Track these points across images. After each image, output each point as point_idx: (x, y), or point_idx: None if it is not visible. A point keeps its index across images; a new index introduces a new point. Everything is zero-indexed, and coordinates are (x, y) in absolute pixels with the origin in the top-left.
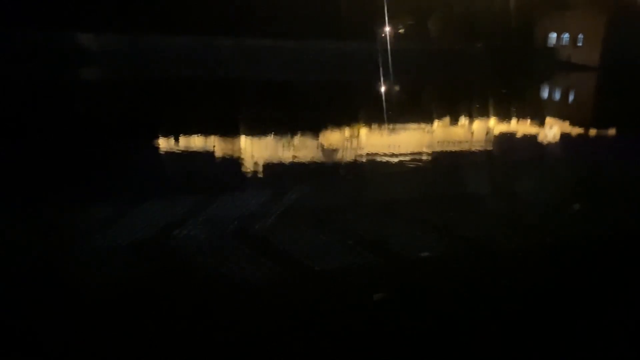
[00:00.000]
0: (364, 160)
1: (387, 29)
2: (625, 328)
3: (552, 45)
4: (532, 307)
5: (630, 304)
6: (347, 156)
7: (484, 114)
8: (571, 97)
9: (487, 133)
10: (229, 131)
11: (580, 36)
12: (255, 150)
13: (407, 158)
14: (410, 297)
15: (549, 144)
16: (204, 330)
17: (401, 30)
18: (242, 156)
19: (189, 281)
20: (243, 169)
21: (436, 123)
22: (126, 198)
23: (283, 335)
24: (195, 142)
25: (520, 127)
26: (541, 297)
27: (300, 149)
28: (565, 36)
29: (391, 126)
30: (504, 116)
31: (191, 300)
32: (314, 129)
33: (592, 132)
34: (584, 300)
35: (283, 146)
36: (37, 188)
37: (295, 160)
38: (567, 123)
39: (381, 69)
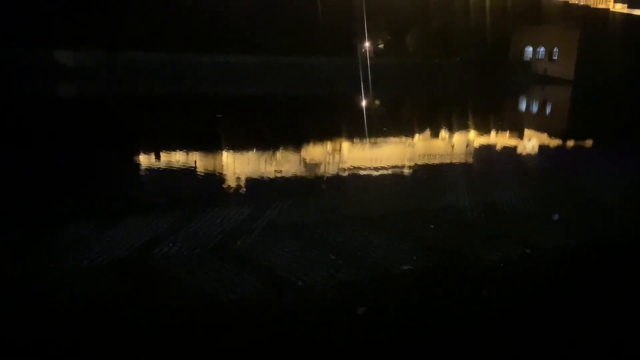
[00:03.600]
0: (345, 174)
1: (367, 44)
2: (607, 337)
3: (528, 59)
4: (513, 317)
5: (611, 313)
6: (328, 170)
7: (461, 127)
8: (547, 110)
9: (467, 146)
10: (210, 147)
11: (556, 50)
12: (236, 165)
13: (387, 172)
14: (392, 310)
15: (526, 156)
16: (186, 348)
17: (381, 46)
18: (224, 172)
19: (171, 299)
20: (224, 185)
21: (415, 137)
22: (105, 215)
23: (266, 350)
24: (175, 158)
25: (496, 139)
26: (522, 308)
27: (281, 163)
28: (541, 50)
29: (371, 140)
30: (480, 129)
31: (173, 317)
32: (295, 144)
33: (568, 143)
34: (564, 310)
35: (264, 161)
36: (15, 205)
37: (277, 175)
38: (541, 135)
39: (361, 83)
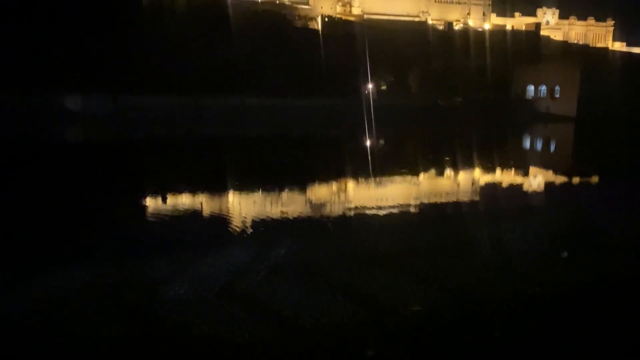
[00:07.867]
0: (350, 214)
1: (370, 85)
2: None
3: (530, 97)
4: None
5: (619, 349)
6: (334, 211)
7: (466, 166)
8: (551, 147)
9: (472, 184)
10: (215, 189)
11: (557, 88)
12: (242, 206)
13: (393, 211)
14: (402, 353)
15: (531, 195)
16: None
17: (384, 87)
18: (230, 213)
19: (178, 344)
20: (231, 226)
21: (419, 176)
22: (112, 258)
23: None
24: (181, 200)
25: (502, 178)
26: (534, 347)
27: (287, 204)
28: (543, 88)
29: (375, 179)
30: (485, 169)
31: None
32: (300, 184)
33: (574, 181)
34: (576, 348)
35: (270, 202)
36: (19, 248)
37: (283, 215)
38: (546, 173)
39: (365, 123)
